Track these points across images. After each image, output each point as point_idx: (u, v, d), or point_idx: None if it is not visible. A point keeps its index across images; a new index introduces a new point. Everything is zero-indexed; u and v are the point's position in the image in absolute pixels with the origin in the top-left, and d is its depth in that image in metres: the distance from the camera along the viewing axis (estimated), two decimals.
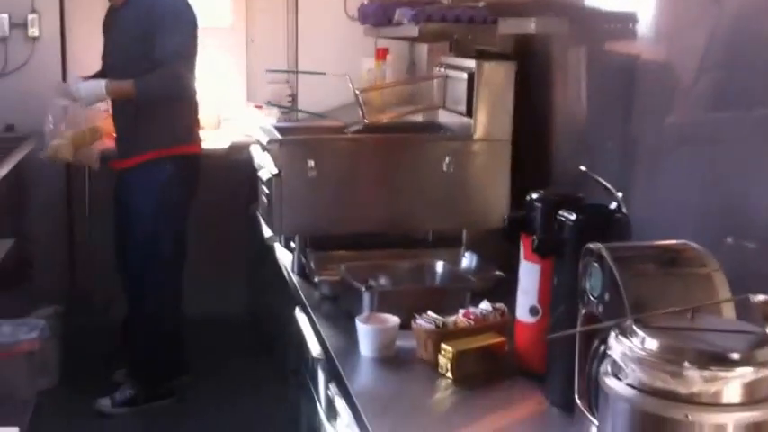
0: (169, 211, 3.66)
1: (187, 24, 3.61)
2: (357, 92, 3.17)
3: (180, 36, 3.57)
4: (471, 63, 2.66)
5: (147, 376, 3.78)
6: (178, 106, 3.67)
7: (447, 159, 2.64)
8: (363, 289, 2.16)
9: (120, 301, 3.93)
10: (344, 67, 4.26)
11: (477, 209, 2.67)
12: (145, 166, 3.62)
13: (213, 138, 4.38)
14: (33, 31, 4.55)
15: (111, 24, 3.73)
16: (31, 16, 4.52)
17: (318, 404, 2.28)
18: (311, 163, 2.67)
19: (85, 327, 4.20)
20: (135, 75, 3.51)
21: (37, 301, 3.95)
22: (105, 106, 3.83)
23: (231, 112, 4.71)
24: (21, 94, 4.48)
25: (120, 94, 3.55)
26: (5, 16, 4.50)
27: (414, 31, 2.97)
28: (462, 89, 2.72)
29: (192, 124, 3.79)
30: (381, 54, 4.37)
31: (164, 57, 3.48)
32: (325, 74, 3.79)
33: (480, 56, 2.73)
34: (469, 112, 2.67)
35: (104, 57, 3.79)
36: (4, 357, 3.45)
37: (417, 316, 1.97)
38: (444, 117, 2.94)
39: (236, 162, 4.13)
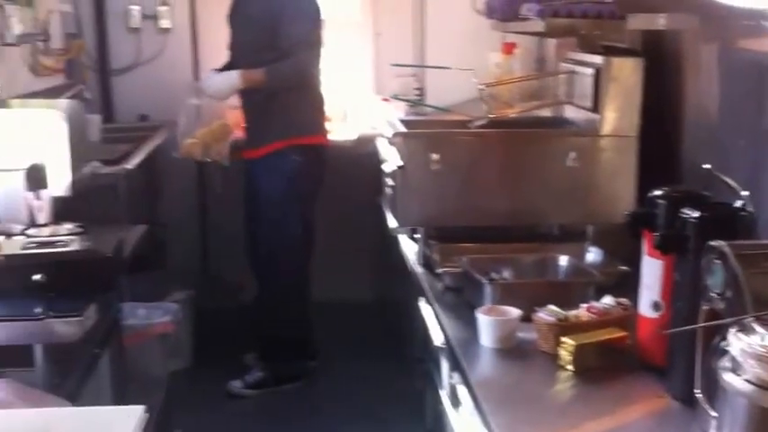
0: (297, 200, 3.77)
1: (311, 13, 3.70)
2: (482, 87, 3.20)
3: (305, 25, 3.66)
4: (598, 59, 2.65)
5: (276, 360, 3.90)
6: (305, 97, 3.77)
7: (573, 155, 2.64)
8: (486, 281, 2.20)
9: (250, 287, 4.07)
10: (471, 61, 4.31)
11: (601, 204, 2.66)
12: (273, 156, 3.73)
13: (340, 130, 4.48)
14: (165, 23, 4.71)
15: (236, 14, 3.85)
16: (162, 8, 4.70)
17: (442, 392, 2.33)
18: (435, 156, 2.71)
19: (217, 310, 4.37)
20: (260, 64, 3.61)
21: (171, 286, 4.11)
22: (235, 102, 3.95)
23: (358, 104, 4.80)
24: (153, 85, 4.67)
25: (251, 83, 3.65)
26: (138, 8, 4.67)
27: (540, 26, 2.97)
28: (589, 85, 2.70)
29: (318, 115, 3.87)
30: (508, 48, 4.36)
31: (290, 46, 3.58)
32: (450, 68, 3.82)
33: (608, 51, 2.71)
34: (596, 108, 2.66)
35: (231, 46, 3.91)
36: (139, 339, 3.61)
37: (538, 309, 1.99)
38: (571, 112, 2.93)
39: (363, 154, 4.21)
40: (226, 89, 3.68)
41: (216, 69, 3.83)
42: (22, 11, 3.43)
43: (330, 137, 3.99)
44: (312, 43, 3.67)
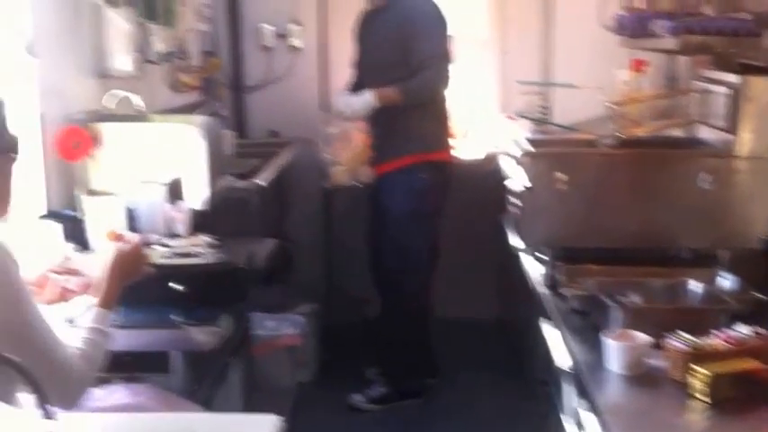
0: (422, 216, 3.78)
1: (441, 28, 3.72)
2: (611, 105, 3.16)
3: (437, 40, 3.68)
4: (734, 77, 2.58)
5: (397, 376, 3.91)
6: (432, 113, 3.78)
7: (706, 176, 2.58)
8: (614, 305, 2.16)
9: (373, 301, 4.11)
10: (598, 78, 4.24)
11: (735, 227, 2.59)
12: (400, 172, 3.75)
13: (464, 147, 4.49)
14: (296, 42, 4.83)
15: (366, 30, 3.90)
16: (293, 27, 4.81)
17: (564, 416, 2.30)
18: (563, 176, 2.69)
19: (340, 325, 4.43)
20: (391, 80, 3.64)
21: (296, 299, 4.17)
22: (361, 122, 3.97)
23: (482, 122, 4.80)
24: (283, 102, 4.79)
25: (385, 101, 3.66)
26: (271, 28, 4.81)
27: (672, 43, 2.92)
28: (724, 104, 2.64)
29: (444, 132, 3.88)
30: (638, 65, 4.26)
31: (424, 60, 3.61)
32: (578, 87, 3.78)
33: (744, 70, 2.64)
34: (731, 129, 2.59)
35: (358, 63, 3.95)
36: (267, 350, 3.72)
37: (668, 335, 1.94)
38: (704, 132, 2.87)
39: (487, 172, 4.21)
40: (362, 110, 3.70)
41: (345, 90, 3.89)
42: (163, 30, 3.59)
43: (454, 154, 4.00)
44: (444, 58, 3.68)
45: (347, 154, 3.79)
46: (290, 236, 4.46)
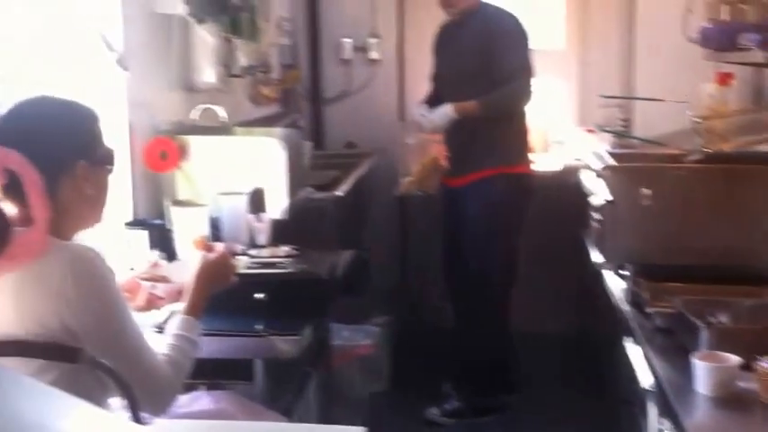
0: (502, 228, 3.74)
1: (526, 41, 3.69)
2: (697, 120, 3.09)
3: (521, 51, 3.66)
4: None
5: (473, 391, 3.87)
6: (513, 126, 3.76)
7: None
8: (702, 325, 2.11)
9: (448, 314, 4.08)
10: (682, 90, 4.14)
11: None
12: (479, 184, 3.72)
13: (543, 160, 4.45)
14: (374, 55, 4.88)
15: (446, 43, 3.88)
16: (372, 40, 4.87)
17: None
18: (647, 191, 2.65)
19: (415, 336, 4.43)
20: (472, 93, 3.62)
21: (371, 310, 4.19)
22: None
23: (561, 135, 4.75)
24: (360, 114, 4.85)
25: (465, 114, 3.65)
26: (349, 41, 4.87)
27: (760, 57, 2.84)
28: None
29: (524, 144, 3.84)
30: (724, 79, 4.16)
31: (508, 72, 3.59)
32: (663, 101, 3.71)
33: None
34: None
35: (437, 76, 3.95)
36: (342, 360, 3.74)
37: (760, 357, 1.89)
38: None
39: (566, 185, 4.15)
40: (443, 123, 3.69)
41: (423, 103, 3.88)
42: (246, 44, 3.66)
43: (533, 167, 3.96)
44: (527, 72, 3.65)
45: (415, 164, 3.80)
46: (366, 246, 4.48)
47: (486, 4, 3.77)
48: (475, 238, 3.74)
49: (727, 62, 3.69)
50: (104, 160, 1.76)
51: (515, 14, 3.74)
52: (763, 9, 3.64)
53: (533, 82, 3.69)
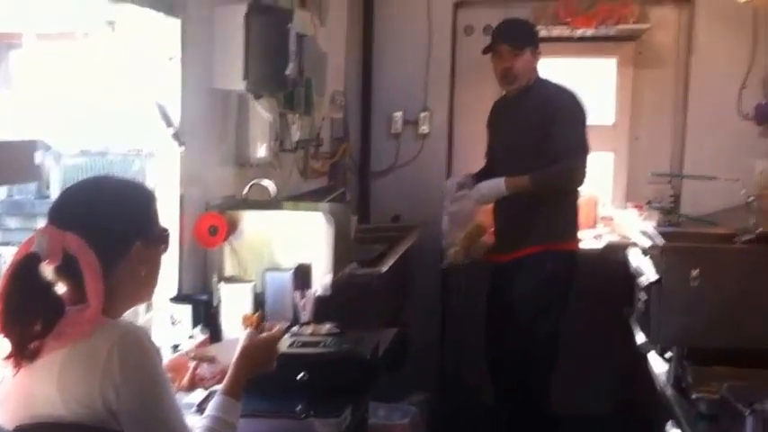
0: (548, 305, 3.70)
1: (584, 118, 3.66)
2: (750, 199, 3.05)
3: (579, 129, 3.62)
4: None
5: None
6: (564, 202, 3.73)
7: None
8: (747, 412, 2.06)
9: (487, 393, 4.00)
10: (733, 167, 4.11)
11: None
12: (526, 261, 3.70)
13: (591, 236, 4.41)
14: (424, 128, 4.91)
15: (502, 117, 3.88)
16: (422, 114, 4.91)
17: None
18: (695, 272, 2.62)
19: (455, 412, 4.33)
20: (525, 165, 3.61)
21: (409, 387, 4.13)
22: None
23: (610, 210, 4.71)
24: (408, 187, 4.86)
25: (516, 189, 3.64)
26: (400, 114, 4.91)
27: None
28: None
29: (573, 223, 3.81)
30: None
31: (563, 150, 3.55)
32: (715, 178, 3.67)
33: None
34: None
35: (491, 150, 3.96)
36: None
37: None
38: None
39: (612, 263, 4.07)
40: (492, 197, 3.70)
41: (472, 175, 3.89)
42: (301, 119, 3.71)
43: (581, 244, 3.92)
44: (582, 150, 3.61)
45: (460, 233, 3.79)
46: (408, 321, 4.45)
47: (544, 80, 3.77)
48: (520, 315, 3.70)
49: None
50: (159, 241, 1.77)
51: (573, 91, 3.71)
52: None
53: (588, 161, 3.64)
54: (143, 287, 1.76)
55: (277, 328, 2.02)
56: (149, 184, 2.64)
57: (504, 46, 3.70)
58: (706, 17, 4.55)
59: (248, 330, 1.97)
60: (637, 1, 4.51)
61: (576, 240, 3.84)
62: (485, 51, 3.77)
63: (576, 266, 3.77)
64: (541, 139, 3.60)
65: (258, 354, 1.92)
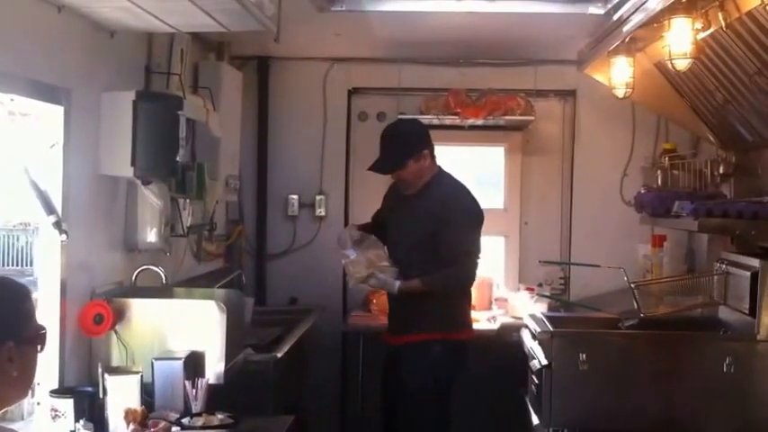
0: (432, 393, 3.64)
1: (478, 221, 3.67)
2: (632, 286, 3.16)
3: (471, 234, 3.64)
4: (755, 261, 2.60)
5: None
6: (457, 296, 3.72)
7: (727, 359, 2.55)
8: None
9: None
10: (619, 250, 4.27)
11: (760, 413, 2.54)
12: (415, 346, 3.65)
13: (485, 317, 4.46)
14: (320, 211, 4.91)
15: (398, 209, 3.82)
16: (318, 197, 4.92)
17: None
18: (583, 356, 2.68)
19: None
20: (416, 263, 3.61)
21: None
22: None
23: (504, 291, 4.79)
24: (304, 269, 4.82)
25: (408, 291, 3.63)
26: (296, 197, 4.90)
27: (693, 225, 2.95)
28: (745, 287, 2.65)
29: (464, 314, 3.78)
30: (658, 241, 4.30)
31: (455, 254, 3.56)
32: (599, 266, 3.80)
33: (766, 254, 2.66)
34: (752, 312, 2.59)
35: (379, 218, 3.92)
36: None
37: None
38: (725, 314, 2.87)
39: (506, 343, 4.12)
40: (383, 287, 3.72)
41: (359, 228, 3.85)
42: (194, 204, 3.66)
43: (472, 331, 3.90)
44: (473, 255, 3.64)
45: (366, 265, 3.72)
46: (307, 406, 4.37)
47: (443, 176, 3.73)
48: (406, 399, 3.66)
49: (662, 227, 3.83)
50: (34, 340, 1.68)
51: (469, 192, 3.72)
52: (694, 176, 3.83)
53: (479, 263, 3.67)
54: (14, 388, 1.66)
55: (161, 425, 1.94)
56: (35, 262, 2.55)
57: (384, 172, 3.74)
58: (588, 110, 4.77)
59: (131, 428, 1.88)
60: (523, 94, 4.67)
61: (468, 330, 3.77)
62: (369, 169, 3.75)
63: (466, 354, 3.72)
64: (433, 235, 3.59)
65: None
